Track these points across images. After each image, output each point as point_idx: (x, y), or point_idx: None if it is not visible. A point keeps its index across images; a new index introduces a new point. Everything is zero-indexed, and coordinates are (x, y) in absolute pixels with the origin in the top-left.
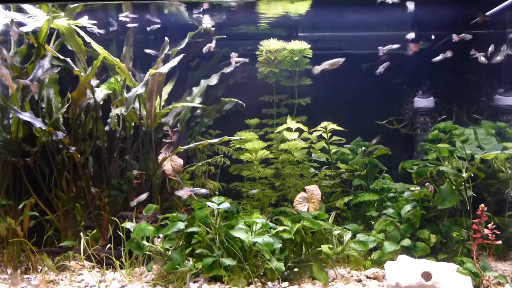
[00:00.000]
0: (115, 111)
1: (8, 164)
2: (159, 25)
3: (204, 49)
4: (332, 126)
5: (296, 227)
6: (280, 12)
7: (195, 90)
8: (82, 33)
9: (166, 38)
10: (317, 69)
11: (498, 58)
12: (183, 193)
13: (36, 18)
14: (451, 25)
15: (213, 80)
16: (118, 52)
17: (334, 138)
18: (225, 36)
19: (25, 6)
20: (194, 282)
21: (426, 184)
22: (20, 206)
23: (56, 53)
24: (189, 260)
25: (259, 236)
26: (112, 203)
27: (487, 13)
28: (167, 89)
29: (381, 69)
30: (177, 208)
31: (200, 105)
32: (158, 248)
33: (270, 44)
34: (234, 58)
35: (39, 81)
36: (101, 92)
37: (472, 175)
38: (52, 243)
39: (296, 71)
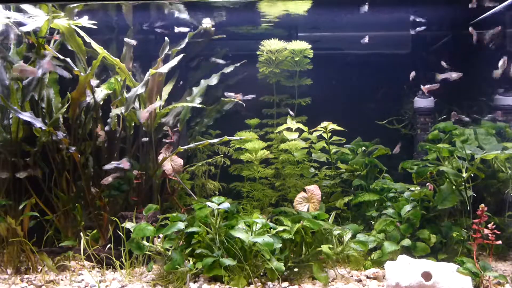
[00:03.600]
0: (115, 111)
1: (8, 164)
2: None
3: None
4: (332, 126)
5: (296, 227)
6: (280, 12)
7: (195, 90)
8: (82, 33)
9: (166, 38)
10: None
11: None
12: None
13: (36, 18)
14: (451, 24)
15: (213, 80)
16: (118, 52)
17: (334, 138)
18: (225, 36)
19: (25, 6)
20: (194, 282)
21: (427, 184)
22: (20, 206)
23: (56, 53)
24: (189, 260)
25: (259, 236)
26: (112, 203)
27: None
28: (167, 89)
29: None
30: (177, 208)
31: (200, 105)
32: (158, 248)
33: (271, 44)
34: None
35: (39, 81)
36: (101, 92)
37: (472, 175)
38: (52, 243)
39: (297, 71)
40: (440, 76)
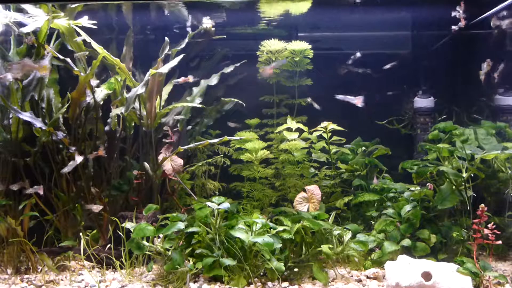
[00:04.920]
0: (115, 111)
1: (8, 164)
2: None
3: None
4: (332, 126)
5: (296, 227)
6: (281, 12)
7: (195, 90)
8: (82, 33)
9: (166, 38)
10: None
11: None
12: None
13: (36, 18)
14: (451, 25)
15: (213, 80)
16: (118, 52)
17: (334, 138)
18: (225, 36)
19: (25, 6)
20: (194, 282)
21: (427, 184)
22: (20, 206)
23: (56, 53)
24: (189, 260)
25: (259, 236)
26: (112, 203)
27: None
28: (167, 89)
29: None
30: (177, 208)
31: (200, 105)
32: (158, 248)
33: (271, 45)
34: None
35: (39, 81)
36: (101, 92)
37: (472, 175)
38: (52, 243)
39: (297, 71)
40: (482, 73)
